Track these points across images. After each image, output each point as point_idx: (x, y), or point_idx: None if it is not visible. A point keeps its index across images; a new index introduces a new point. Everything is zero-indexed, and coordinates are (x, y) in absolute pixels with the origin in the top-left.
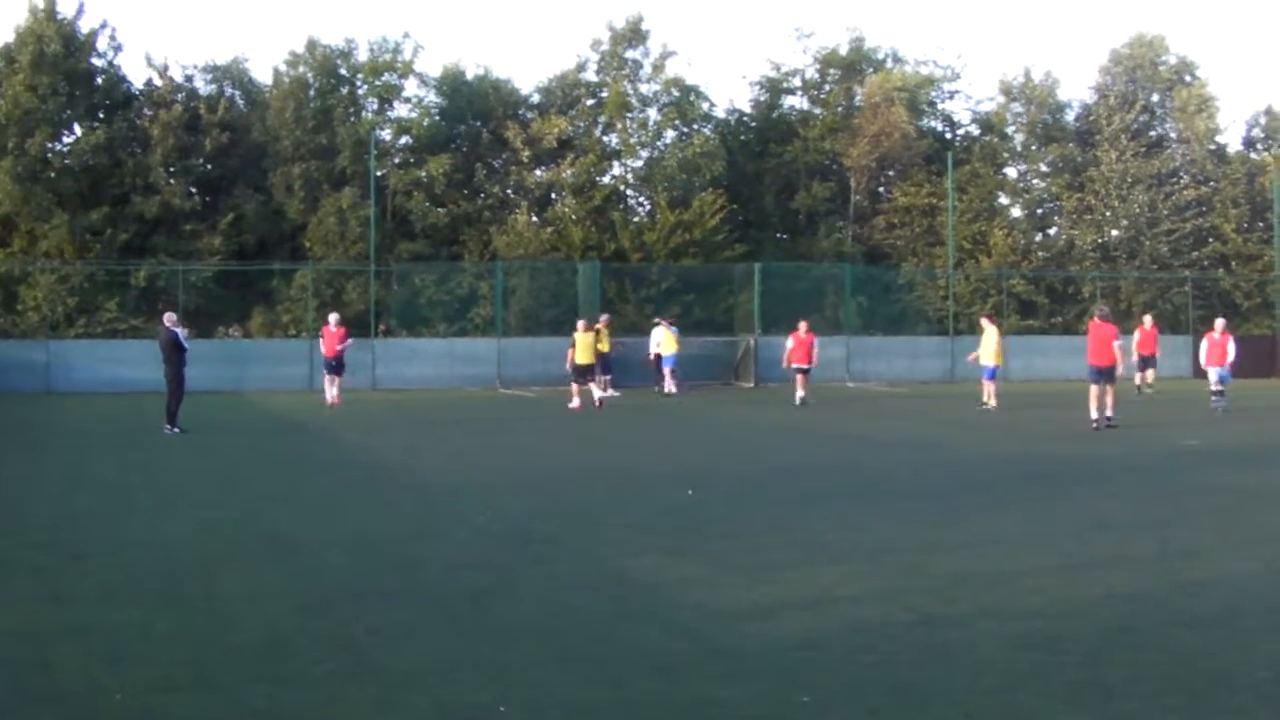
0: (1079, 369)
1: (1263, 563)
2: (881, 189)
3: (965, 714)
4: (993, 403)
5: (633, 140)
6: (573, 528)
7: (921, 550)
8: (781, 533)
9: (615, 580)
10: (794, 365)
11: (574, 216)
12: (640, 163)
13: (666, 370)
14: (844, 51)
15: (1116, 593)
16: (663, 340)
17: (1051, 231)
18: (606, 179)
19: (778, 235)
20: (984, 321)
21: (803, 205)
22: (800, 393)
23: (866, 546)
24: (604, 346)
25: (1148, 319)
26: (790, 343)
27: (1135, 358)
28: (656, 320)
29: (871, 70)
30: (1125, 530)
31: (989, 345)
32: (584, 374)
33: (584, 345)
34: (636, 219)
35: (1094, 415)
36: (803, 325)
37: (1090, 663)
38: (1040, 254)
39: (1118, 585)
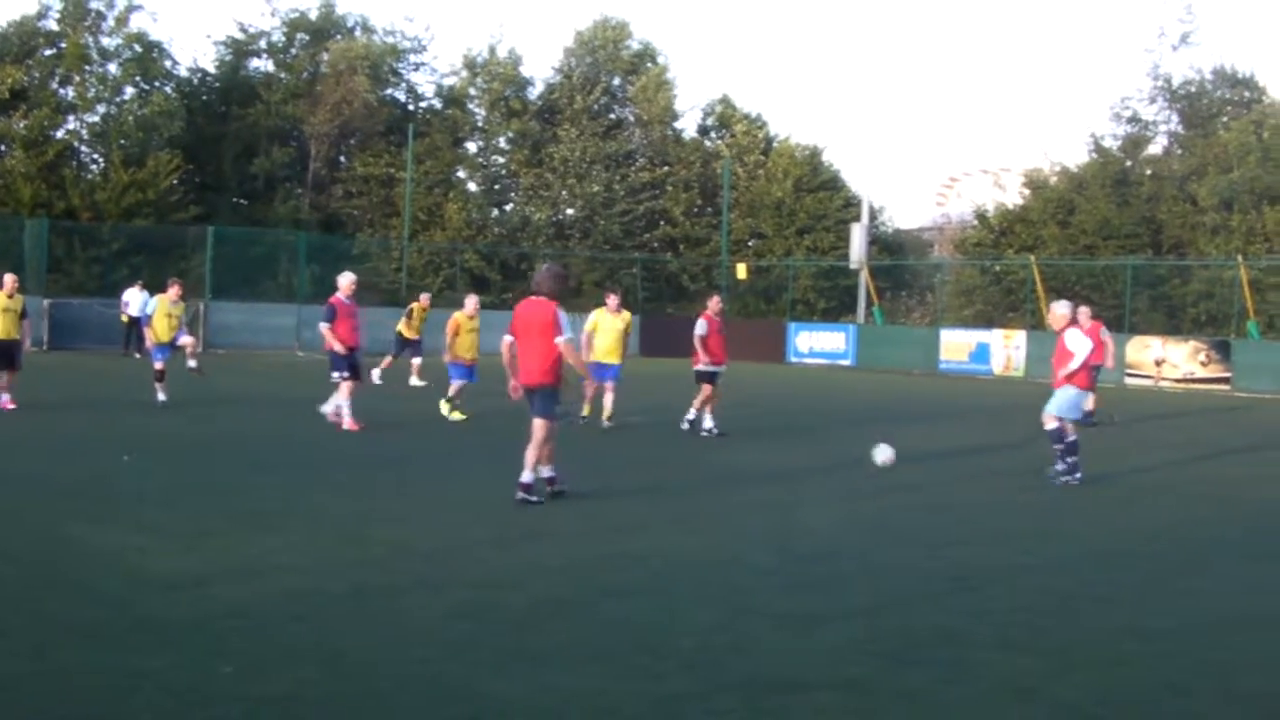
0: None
1: (700, 536)
2: (341, 158)
3: (396, 683)
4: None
5: (90, 95)
6: (2, 492)
7: (362, 520)
8: (220, 501)
9: (44, 547)
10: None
11: (23, 171)
12: (97, 118)
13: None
14: (313, 16)
15: (550, 564)
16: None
17: (508, 208)
18: (60, 133)
19: (235, 199)
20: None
21: (262, 170)
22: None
23: (306, 515)
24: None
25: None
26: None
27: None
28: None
29: (339, 37)
30: (565, 504)
31: (606, 335)
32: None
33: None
34: (89, 176)
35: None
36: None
37: (519, 632)
38: (495, 229)
39: (551, 557)
